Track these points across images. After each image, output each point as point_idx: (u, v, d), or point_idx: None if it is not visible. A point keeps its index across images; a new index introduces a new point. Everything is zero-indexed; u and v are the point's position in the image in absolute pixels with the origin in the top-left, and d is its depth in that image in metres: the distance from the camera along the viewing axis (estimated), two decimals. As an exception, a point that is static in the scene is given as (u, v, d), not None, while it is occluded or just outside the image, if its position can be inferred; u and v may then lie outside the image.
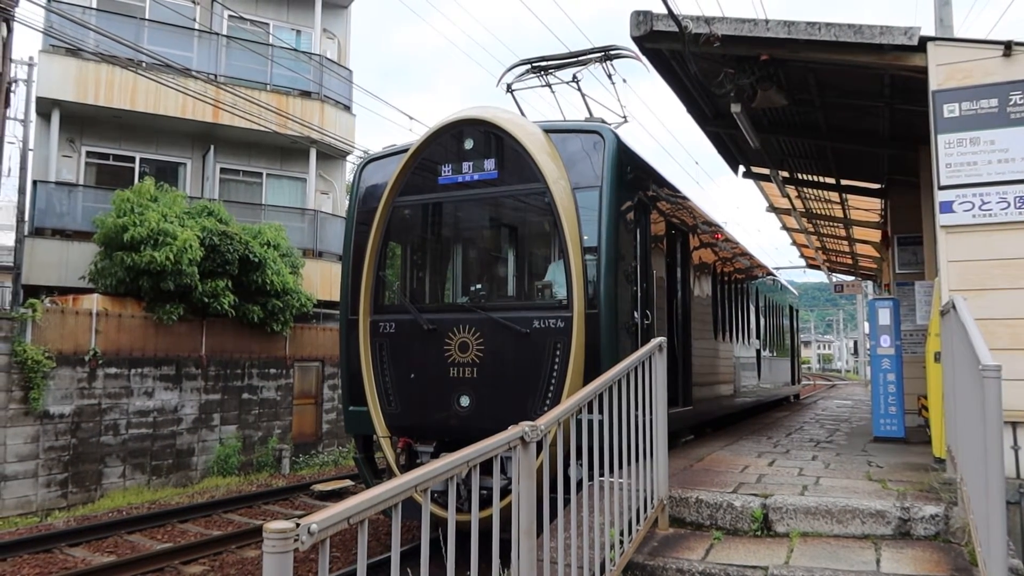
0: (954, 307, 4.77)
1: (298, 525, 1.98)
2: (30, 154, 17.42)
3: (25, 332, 12.19)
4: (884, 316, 8.75)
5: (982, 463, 3.50)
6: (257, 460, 15.28)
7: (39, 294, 13.78)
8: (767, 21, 6.80)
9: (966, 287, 5.56)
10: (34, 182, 16.04)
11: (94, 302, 13.28)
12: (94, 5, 16.69)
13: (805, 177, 13.08)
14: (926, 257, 9.67)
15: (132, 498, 12.66)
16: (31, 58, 17.52)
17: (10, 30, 13.33)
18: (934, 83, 5.98)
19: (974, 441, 3.84)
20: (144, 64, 15.59)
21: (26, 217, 15.90)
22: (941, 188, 5.88)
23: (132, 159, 17.27)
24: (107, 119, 16.66)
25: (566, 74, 8.72)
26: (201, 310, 14.26)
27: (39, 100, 16.28)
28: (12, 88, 16.35)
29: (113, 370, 13.33)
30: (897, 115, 8.85)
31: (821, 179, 13.03)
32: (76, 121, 16.42)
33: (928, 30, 6.64)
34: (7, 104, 14.79)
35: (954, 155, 5.85)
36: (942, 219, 5.86)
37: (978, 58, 5.90)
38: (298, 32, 19.67)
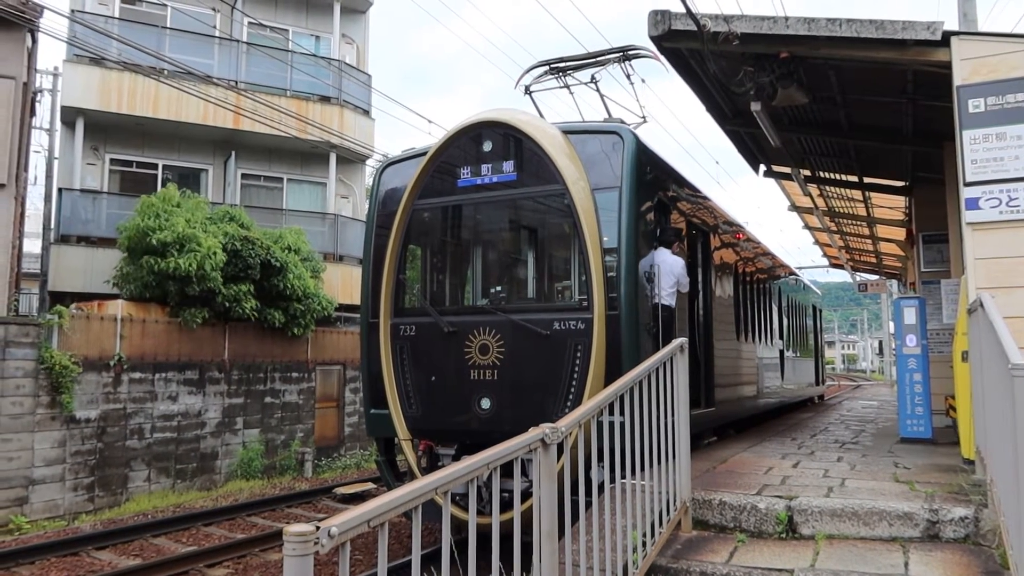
0: (982, 305, 4.69)
1: (318, 528, 1.97)
2: (55, 162, 17.72)
3: (52, 338, 12.36)
4: (910, 315, 8.63)
5: (1013, 464, 3.43)
6: (280, 463, 15.38)
7: (65, 300, 13.97)
8: (787, 18, 6.74)
9: (994, 285, 5.46)
10: (59, 190, 16.31)
11: (119, 308, 13.43)
12: (116, 15, 16.92)
13: (827, 175, 12.94)
14: (952, 255, 9.53)
15: (157, 501, 12.78)
16: (55, 68, 17.83)
17: (35, 41, 13.53)
18: (958, 78, 5.88)
19: (1004, 441, 3.77)
20: (166, 72, 15.77)
21: (51, 224, 16.15)
22: (967, 184, 5.78)
23: (155, 166, 17.49)
24: (130, 127, 16.88)
25: (584, 75, 8.70)
26: (224, 314, 14.38)
27: (64, 109, 16.55)
28: (37, 98, 16.63)
29: (138, 375, 13.48)
30: (921, 111, 8.73)
31: (843, 177, 12.89)
32: (100, 129, 16.65)
33: (951, 25, 6.55)
34: (33, 113, 15.02)
35: (980, 151, 5.76)
36: (968, 216, 5.77)
37: (1003, 52, 5.80)
38: (317, 38, 19.81)
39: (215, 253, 13.47)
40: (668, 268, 7.27)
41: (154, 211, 13.73)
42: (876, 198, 14.05)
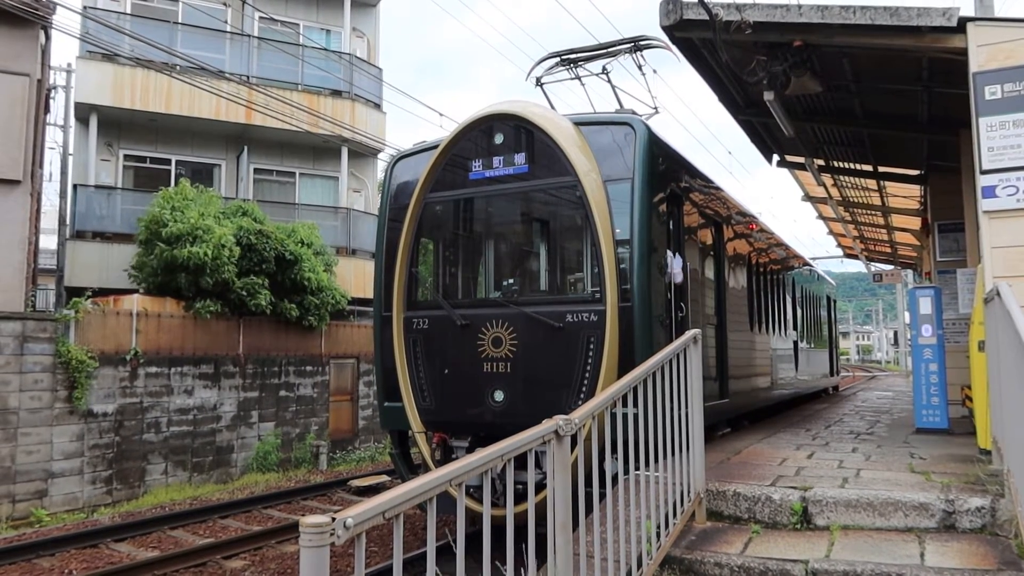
0: (999, 294, 4.65)
1: (334, 520, 1.98)
2: (70, 159, 17.85)
3: (68, 333, 12.47)
4: (925, 305, 8.57)
5: (1030, 454, 3.41)
6: (295, 456, 15.48)
7: (81, 295, 14.10)
8: (800, 6, 6.68)
9: (1011, 273, 5.42)
10: (74, 186, 16.43)
11: (134, 303, 13.53)
12: (128, 11, 17.00)
13: (841, 165, 12.85)
14: (968, 244, 9.45)
15: (174, 494, 12.90)
16: (69, 65, 17.95)
17: (48, 38, 13.61)
18: (974, 65, 5.82)
19: (1022, 431, 3.75)
20: (178, 67, 15.83)
21: (67, 220, 16.28)
22: (983, 172, 5.73)
23: (168, 161, 17.58)
24: (143, 122, 16.97)
25: (595, 66, 8.65)
26: (238, 308, 14.46)
27: (77, 105, 16.67)
28: (51, 94, 16.75)
29: (153, 369, 13.59)
30: (936, 99, 8.65)
31: (858, 166, 12.79)
32: (113, 125, 16.75)
33: (967, 11, 6.47)
34: (47, 110, 15.13)
35: (996, 138, 5.70)
36: (985, 204, 5.72)
37: (1021, 38, 5.73)
38: (328, 32, 19.83)
39: (231, 247, 13.55)
40: None
41: (170, 204, 13.83)
42: (891, 187, 13.94)
